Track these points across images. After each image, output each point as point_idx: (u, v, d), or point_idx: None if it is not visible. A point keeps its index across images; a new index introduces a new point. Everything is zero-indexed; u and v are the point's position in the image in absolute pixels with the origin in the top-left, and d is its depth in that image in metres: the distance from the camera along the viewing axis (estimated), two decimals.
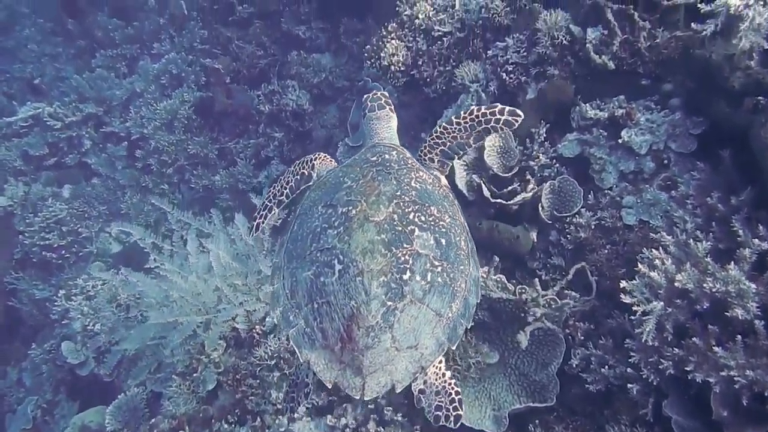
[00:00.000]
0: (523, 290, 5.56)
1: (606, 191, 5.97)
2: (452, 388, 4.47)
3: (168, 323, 6.61)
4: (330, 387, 4.24)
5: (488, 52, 6.85)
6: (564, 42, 6.30)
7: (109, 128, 11.15)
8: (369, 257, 4.13)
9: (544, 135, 6.22)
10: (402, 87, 7.56)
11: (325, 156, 5.56)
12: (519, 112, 4.88)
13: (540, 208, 6.00)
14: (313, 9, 11.31)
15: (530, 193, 5.96)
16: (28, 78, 13.03)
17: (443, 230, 4.43)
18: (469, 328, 4.46)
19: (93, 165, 11.08)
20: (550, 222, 6.01)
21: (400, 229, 4.26)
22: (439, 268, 4.27)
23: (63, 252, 10.26)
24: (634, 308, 4.76)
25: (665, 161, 5.79)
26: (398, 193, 4.46)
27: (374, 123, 5.55)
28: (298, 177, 5.53)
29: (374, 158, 4.90)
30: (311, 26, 11.41)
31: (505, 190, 6.03)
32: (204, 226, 7.47)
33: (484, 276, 5.69)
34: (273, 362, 6.51)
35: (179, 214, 7.46)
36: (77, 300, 9.25)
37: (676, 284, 4.64)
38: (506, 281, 5.71)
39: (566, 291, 5.64)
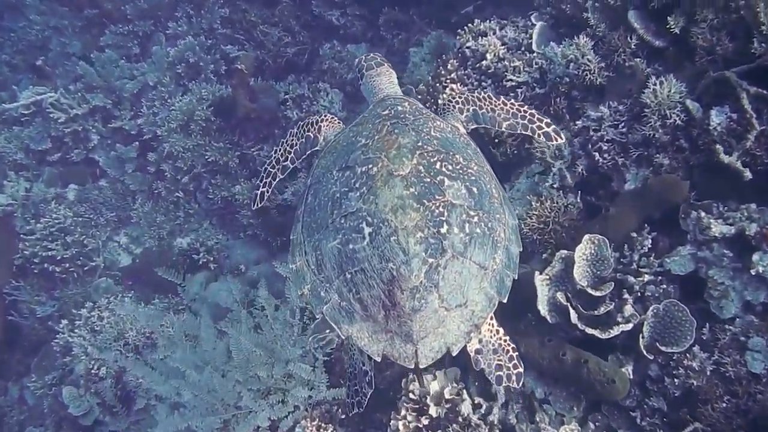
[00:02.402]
0: None
1: (726, 325, 4.65)
2: (509, 345, 4.16)
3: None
4: (379, 360, 3.86)
5: (577, 122, 5.39)
6: (678, 122, 4.88)
7: (119, 123, 9.73)
8: (401, 214, 3.74)
9: (649, 245, 4.85)
10: None
11: (332, 117, 5.07)
12: (562, 135, 4.67)
13: (640, 336, 4.71)
14: None
15: (630, 325, 4.66)
16: (32, 42, 11.53)
17: (473, 178, 4.03)
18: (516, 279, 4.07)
19: (101, 163, 9.72)
20: (651, 357, 4.72)
21: (428, 180, 3.87)
22: (476, 218, 3.89)
23: (67, 265, 9.00)
24: None
25: None
26: (419, 144, 4.06)
27: (375, 80, 5.14)
28: (303, 140, 5.01)
29: (386, 112, 4.43)
30: (346, 12, 9.86)
31: (596, 312, 4.73)
32: (222, 300, 6.28)
33: None
34: None
35: (192, 287, 6.23)
36: (81, 333, 8.11)
37: None
38: None
39: None
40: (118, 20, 10.69)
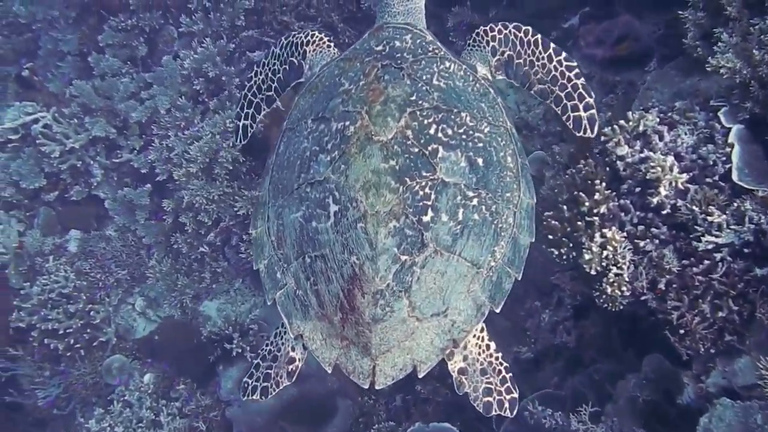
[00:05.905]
0: None
1: None
2: (501, 364, 3.40)
3: None
4: (329, 371, 3.17)
5: None
6: None
7: (125, 156, 7.64)
8: (373, 195, 2.95)
9: None
10: (618, 313, 4.03)
11: (320, 38, 4.03)
12: (596, 129, 3.60)
13: None
14: None
15: None
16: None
17: (480, 145, 3.20)
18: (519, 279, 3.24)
19: (107, 206, 7.72)
20: None
21: (416, 150, 3.06)
22: (475, 201, 3.08)
23: (71, 340, 7.15)
24: None
25: None
26: (413, 98, 3.18)
27: None
28: (287, 67, 4.07)
29: (380, 47, 3.52)
30: None
31: None
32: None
33: None
34: None
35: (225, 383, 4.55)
36: None
37: None
38: None
39: None
40: (118, 10, 8.38)
